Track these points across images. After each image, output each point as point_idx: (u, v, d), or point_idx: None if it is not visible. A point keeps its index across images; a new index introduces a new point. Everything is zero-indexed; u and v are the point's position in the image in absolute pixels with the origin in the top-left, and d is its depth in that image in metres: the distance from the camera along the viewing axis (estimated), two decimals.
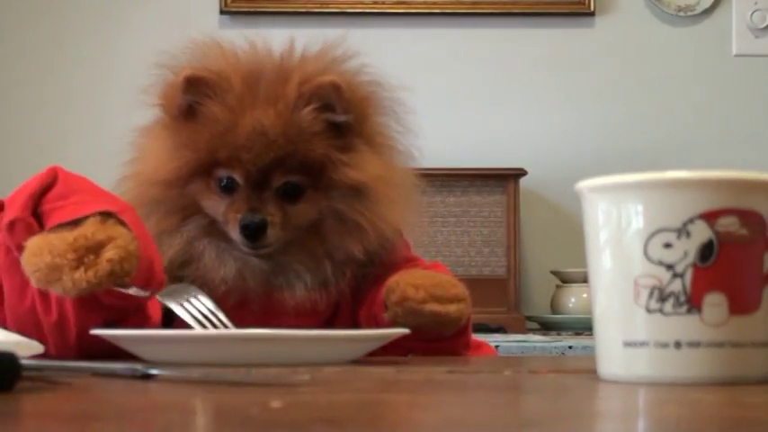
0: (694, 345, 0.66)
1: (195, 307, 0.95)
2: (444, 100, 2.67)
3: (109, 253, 0.89)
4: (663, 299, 0.66)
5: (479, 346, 1.16)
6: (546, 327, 2.45)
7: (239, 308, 1.03)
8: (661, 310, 0.66)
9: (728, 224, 0.66)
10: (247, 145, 1.02)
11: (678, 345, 0.66)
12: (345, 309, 1.08)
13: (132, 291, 0.91)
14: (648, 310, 0.66)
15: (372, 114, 1.09)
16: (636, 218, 0.67)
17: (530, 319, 2.50)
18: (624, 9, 2.70)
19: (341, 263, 1.06)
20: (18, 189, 0.96)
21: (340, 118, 1.04)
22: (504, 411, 0.58)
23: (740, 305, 0.66)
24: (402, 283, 1.01)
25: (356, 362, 0.89)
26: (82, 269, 0.88)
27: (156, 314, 0.98)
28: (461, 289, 1.04)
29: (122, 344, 0.89)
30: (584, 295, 2.36)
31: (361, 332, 0.93)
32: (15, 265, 0.92)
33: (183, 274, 1.04)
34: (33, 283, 0.90)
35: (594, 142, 2.67)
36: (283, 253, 1.05)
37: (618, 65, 2.70)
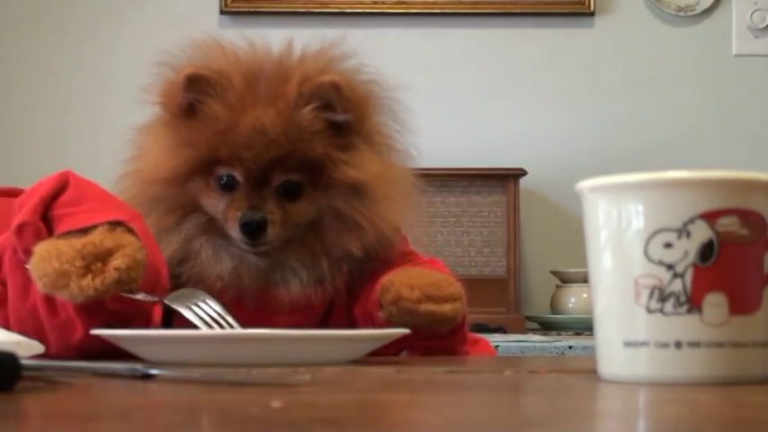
0: (695, 345, 0.66)
1: (204, 311, 0.95)
2: (444, 100, 2.67)
3: (116, 261, 0.90)
4: (663, 299, 0.66)
5: (476, 342, 1.16)
6: (546, 327, 2.45)
7: (235, 304, 1.03)
8: (661, 310, 0.66)
9: (729, 224, 0.66)
10: (248, 143, 1.03)
11: (678, 345, 0.66)
12: (341, 305, 1.09)
13: (140, 297, 0.92)
14: (649, 310, 0.66)
15: (371, 113, 1.09)
16: (636, 218, 0.67)
17: (530, 319, 2.50)
18: (624, 9, 2.70)
19: (338, 259, 1.06)
20: (29, 191, 0.97)
21: (340, 117, 1.05)
22: (504, 411, 0.58)
23: (740, 305, 0.66)
24: (397, 283, 1.01)
25: (356, 362, 0.89)
26: (89, 276, 0.89)
27: (157, 316, 0.99)
28: (457, 287, 1.04)
29: (122, 344, 0.89)
30: (585, 295, 2.36)
31: (361, 332, 0.93)
32: (20, 265, 0.93)
33: (181, 272, 1.04)
34: (40, 288, 0.90)
35: (594, 142, 2.67)
36: (281, 250, 1.05)
37: (618, 65, 2.70)
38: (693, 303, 0.66)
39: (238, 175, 1.04)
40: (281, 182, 1.04)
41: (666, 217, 0.66)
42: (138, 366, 0.71)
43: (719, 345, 0.66)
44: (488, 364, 1.00)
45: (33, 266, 0.90)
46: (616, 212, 0.68)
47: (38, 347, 0.78)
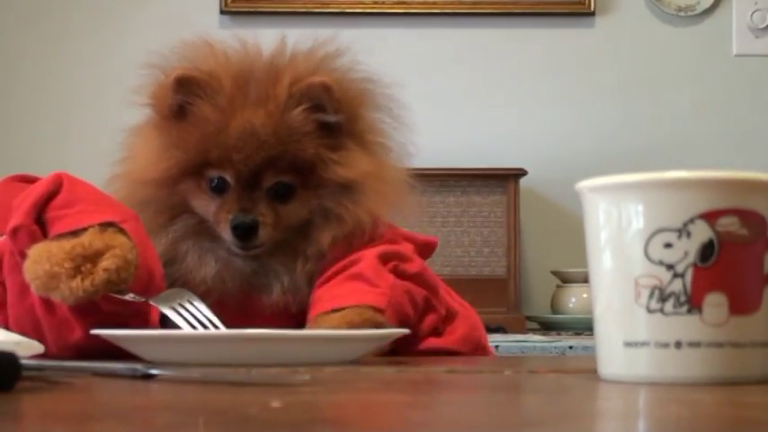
0: (695, 345, 0.66)
1: (189, 311, 0.95)
2: (444, 100, 2.67)
3: (105, 262, 0.91)
4: (663, 299, 0.66)
5: (453, 316, 1.11)
6: (546, 327, 2.45)
7: (217, 307, 1.03)
8: (661, 310, 0.66)
9: (729, 224, 0.66)
10: (238, 145, 1.03)
11: (678, 345, 0.66)
12: None
13: (129, 297, 0.92)
14: (649, 310, 0.66)
15: (363, 112, 1.09)
16: (636, 218, 0.67)
17: (530, 319, 2.50)
18: (624, 9, 2.70)
19: (312, 259, 1.05)
20: (24, 194, 0.97)
21: (331, 118, 1.05)
22: (504, 411, 0.58)
23: (740, 305, 0.66)
24: (320, 322, 0.99)
25: (356, 362, 0.89)
26: (78, 278, 0.90)
27: (155, 316, 0.99)
28: (369, 314, 0.98)
29: (123, 344, 0.89)
30: (585, 295, 2.36)
31: (362, 332, 0.93)
32: (17, 267, 0.94)
33: (168, 273, 1.04)
34: (33, 290, 0.91)
35: (594, 142, 2.67)
36: (269, 253, 1.05)
37: (618, 65, 2.70)
38: (693, 303, 0.66)
39: (229, 178, 1.04)
40: (272, 184, 1.04)
41: (666, 217, 0.66)
42: (138, 366, 0.71)
43: (719, 345, 0.66)
44: (488, 364, 1.00)
45: (26, 269, 0.91)
46: (616, 212, 0.68)
47: (38, 347, 0.78)
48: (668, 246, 0.66)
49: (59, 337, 0.94)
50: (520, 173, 2.45)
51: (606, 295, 0.69)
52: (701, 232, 0.66)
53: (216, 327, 0.94)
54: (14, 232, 0.94)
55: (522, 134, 2.67)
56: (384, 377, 0.78)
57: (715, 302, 0.66)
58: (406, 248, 1.08)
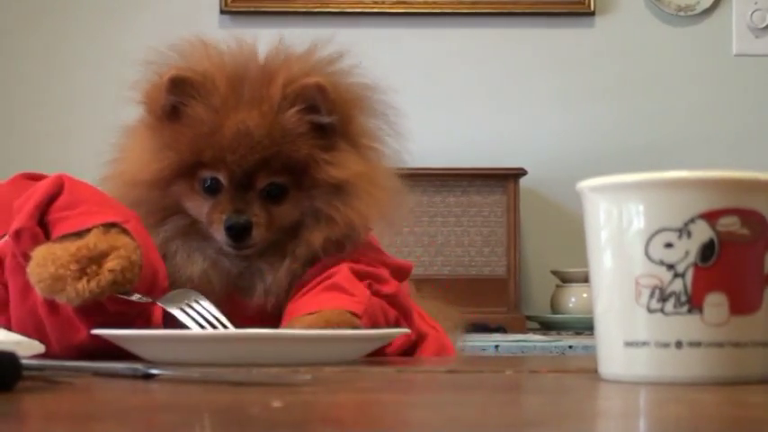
0: (695, 345, 0.66)
1: (197, 311, 0.95)
2: (444, 100, 2.67)
3: (111, 263, 0.91)
4: (664, 299, 0.66)
5: (425, 336, 1.10)
6: (546, 327, 2.45)
7: None
8: (662, 310, 0.66)
9: (729, 224, 0.66)
10: (232, 146, 1.02)
11: (679, 344, 0.66)
12: None
13: (135, 298, 0.92)
14: (649, 310, 0.66)
15: (357, 116, 1.09)
16: (637, 217, 0.67)
17: (530, 318, 2.50)
18: (624, 9, 2.70)
19: (299, 260, 1.05)
20: (26, 196, 0.97)
21: (325, 120, 1.04)
22: (505, 411, 0.58)
23: (741, 305, 0.66)
24: (295, 323, 0.98)
25: (356, 362, 0.89)
26: (84, 279, 0.90)
27: (158, 315, 0.99)
28: (347, 316, 0.98)
29: (123, 344, 0.89)
30: (585, 295, 2.36)
31: (362, 332, 0.93)
32: (20, 269, 0.94)
33: None
34: (39, 292, 0.91)
35: (595, 142, 2.67)
36: (259, 254, 1.05)
37: (618, 65, 2.70)
38: (694, 303, 0.66)
39: (222, 178, 1.04)
40: (265, 184, 1.04)
41: (667, 217, 0.66)
42: (139, 366, 0.71)
43: (720, 345, 0.66)
44: (488, 364, 1.00)
45: (31, 271, 0.91)
46: (617, 212, 0.68)
47: (38, 347, 0.78)
48: (669, 245, 0.66)
49: (63, 337, 0.94)
50: (520, 173, 2.45)
51: (606, 295, 0.69)
52: (702, 232, 0.66)
53: (224, 326, 0.94)
54: (17, 234, 0.94)
55: (522, 134, 2.67)
56: (384, 377, 0.78)
57: (715, 302, 0.66)
58: (382, 272, 1.07)
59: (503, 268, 2.42)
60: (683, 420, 0.52)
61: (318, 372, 0.77)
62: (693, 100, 2.69)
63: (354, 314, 0.98)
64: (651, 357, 0.66)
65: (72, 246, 0.91)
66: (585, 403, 0.63)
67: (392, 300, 1.05)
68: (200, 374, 0.72)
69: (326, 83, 1.04)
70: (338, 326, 0.95)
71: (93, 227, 0.93)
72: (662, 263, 0.66)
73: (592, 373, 0.72)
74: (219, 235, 1.03)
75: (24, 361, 0.64)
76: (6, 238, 0.97)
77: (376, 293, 1.04)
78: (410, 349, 1.07)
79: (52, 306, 0.94)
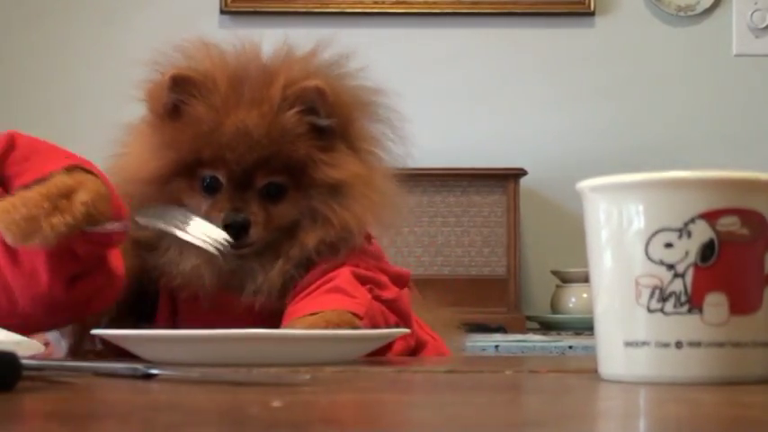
0: (695, 345, 0.66)
1: (191, 225, 0.97)
2: (444, 100, 2.67)
3: (81, 196, 0.91)
4: (664, 299, 0.66)
5: (425, 344, 1.11)
6: (546, 327, 2.45)
7: (190, 302, 1.04)
8: (662, 310, 0.66)
9: (729, 224, 0.66)
10: (231, 145, 1.03)
11: (679, 344, 0.66)
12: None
13: (114, 227, 0.93)
14: (649, 310, 0.66)
15: (357, 120, 1.10)
16: (637, 218, 0.67)
17: (530, 319, 2.50)
18: (624, 9, 2.70)
19: (293, 261, 1.05)
20: None
21: (324, 122, 1.05)
22: (504, 411, 0.58)
23: (741, 305, 0.66)
24: (296, 323, 0.98)
25: (356, 362, 0.89)
26: (58, 214, 0.89)
27: (119, 266, 0.99)
28: (348, 317, 0.99)
29: (123, 344, 0.89)
30: (585, 295, 2.36)
31: (362, 332, 0.93)
32: None
33: (146, 259, 1.05)
34: (10, 240, 0.90)
35: (595, 142, 2.67)
36: (257, 253, 1.05)
37: (618, 65, 2.70)
38: (694, 303, 0.66)
39: (221, 177, 1.05)
40: (264, 184, 1.05)
41: (667, 217, 0.66)
42: (139, 366, 0.71)
43: (720, 344, 0.66)
44: (488, 364, 1.00)
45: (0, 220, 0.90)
46: (617, 212, 0.68)
47: (38, 347, 0.78)
48: (669, 245, 0.66)
49: (27, 287, 0.93)
50: (520, 173, 2.45)
51: (607, 295, 0.69)
52: (702, 232, 0.66)
53: (222, 242, 0.95)
54: None
55: (522, 134, 2.67)
56: (384, 377, 0.78)
57: (715, 302, 0.66)
58: (382, 278, 1.08)
59: (503, 268, 2.42)
60: (683, 420, 0.52)
61: (318, 372, 0.77)
62: (693, 100, 2.69)
63: (355, 315, 0.98)
64: (651, 357, 0.66)
65: (40, 188, 0.91)
66: (585, 403, 0.63)
67: (392, 305, 1.06)
68: (200, 374, 0.72)
69: (326, 86, 1.05)
70: (339, 326, 0.95)
71: (55, 172, 0.93)
72: (662, 263, 0.66)
73: (592, 373, 0.72)
74: None
75: (24, 361, 0.64)
76: None
77: (377, 298, 1.04)
78: (409, 356, 1.07)
79: (14, 257, 0.93)
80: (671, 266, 0.66)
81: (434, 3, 2.69)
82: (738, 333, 0.66)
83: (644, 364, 0.67)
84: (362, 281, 1.05)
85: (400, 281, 1.11)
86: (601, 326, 0.70)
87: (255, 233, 1.03)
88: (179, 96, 1.04)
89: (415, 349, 1.08)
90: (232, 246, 1.03)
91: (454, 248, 2.41)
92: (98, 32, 2.66)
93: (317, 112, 1.05)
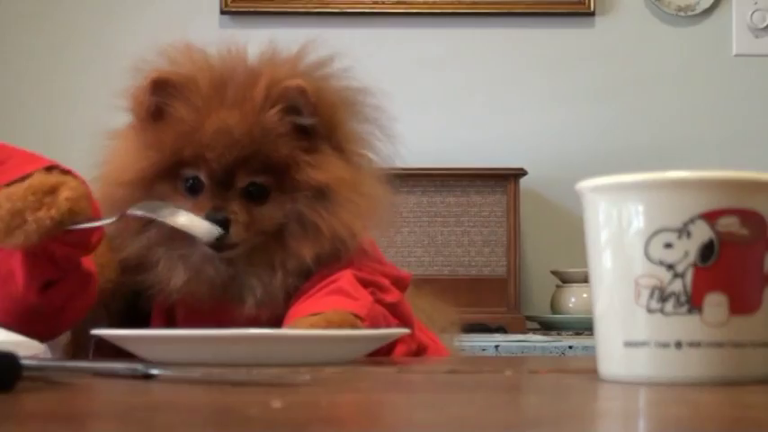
0: (695, 345, 0.66)
1: (181, 215, 0.98)
2: (444, 100, 2.67)
3: (65, 193, 0.92)
4: (663, 299, 0.66)
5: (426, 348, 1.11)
6: (546, 327, 2.45)
7: (190, 314, 1.04)
8: (662, 310, 0.66)
9: (729, 224, 0.66)
10: (212, 144, 1.02)
11: (679, 345, 0.66)
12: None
13: (100, 223, 0.94)
14: (649, 310, 0.66)
15: (343, 121, 1.08)
16: (636, 218, 0.67)
17: (530, 319, 2.50)
18: (624, 9, 2.70)
19: (292, 272, 1.04)
20: None
21: (306, 121, 1.04)
22: (504, 411, 0.58)
23: (741, 305, 0.66)
24: (298, 324, 0.98)
25: (356, 362, 0.89)
26: (44, 209, 0.90)
27: (92, 268, 0.99)
28: (350, 318, 0.98)
29: (123, 344, 0.89)
30: (585, 295, 2.36)
31: (362, 332, 0.93)
32: None
33: (142, 279, 1.04)
34: None
35: (594, 142, 2.67)
36: (246, 261, 1.04)
37: (618, 65, 2.70)
38: (694, 303, 0.66)
39: (203, 177, 1.04)
40: (246, 184, 1.04)
41: (667, 217, 0.66)
42: (138, 366, 0.71)
43: (719, 345, 0.66)
44: (488, 364, 1.00)
45: None
46: (616, 212, 0.68)
47: (38, 347, 0.78)
48: (668, 246, 0.66)
49: (3, 289, 0.94)
50: (520, 173, 2.45)
51: (606, 295, 0.69)
52: (702, 232, 0.66)
53: (212, 233, 0.97)
54: None
55: (521, 134, 2.67)
56: (384, 377, 0.78)
57: (715, 302, 0.66)
58: (384, 281, 1.07)
59: (503, 268, 2.42)
60: (683, 420, 0.52)
61: (318, 372, 0.77)
62: (693, 100, 2.69)
63: (357, 316, 0.98)
64: (651, 357, 0.66)
65: (22, 184, 0.92)
66: (585, 403, 0.63)
67: (394, 309, 1.05)
68: (200, 374, 0.72)
69: (308, 86, 1.04)
70: (340, 326, 0.95)
71: (35, 171, 0.94)
72: (662, 263, 0.66)
73: (592, 373, 0.72)
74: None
75: (24, 361, 0.64)
76: None
77: (379, 302, 1.04)
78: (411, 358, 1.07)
79: None
80: (671, 267, 0.66)
81: (434, 3, 2.69)
82: (738, 333, 0.66)
83: (644, 364, 0.67)
84: (364, 284, 1.04)
85: (401, 284, 1.10)
86: (600, 326, 0.70)
87: (236, 233, 1.02)
88: (161, 99, 1.04)
89: (417, 353, 1.08)
90: (215, 248, 1.02)
91: (454, 248, 2.41)
92: (98, 33, 2.66)
93: (300, 111, 1.04)
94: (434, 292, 1.24)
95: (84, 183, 0.95)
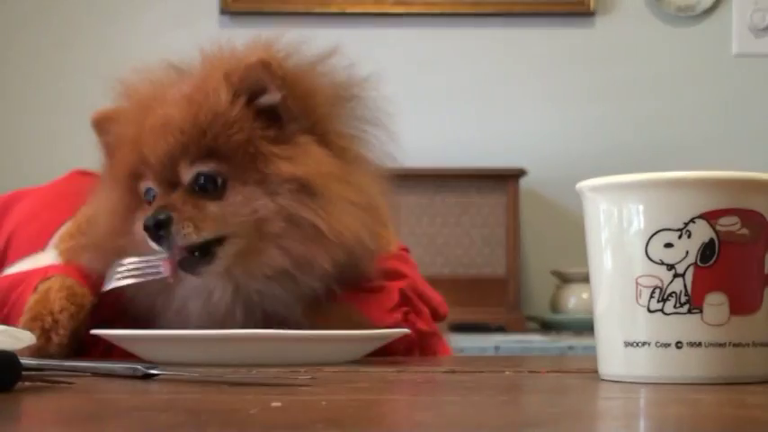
0: (695, 345, 0.66)
1: (125, 267, 0.94)
2: (444, 100, 2.67)
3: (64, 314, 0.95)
4: (664, 299, 0.66)
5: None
6: (546, 327, 2.45)
7: None
8: (662, 310, 0.66)
9: (729, 224, 0.66)
10: (148, 140, 0.94)
11: (679, 345, 0.66)
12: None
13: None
14: (649, 310, 0.66)
15: (329, 112, 0.97)
16: (637, 218, 0.67)
17: (530, 319, 2.50)
18: (624, 9, 2.70)
19: (308, 279, 0.95)
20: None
21: (271, 98, 0.94)
22: (504, 411, 0.58)
23: (741, 305, 0.66)
24: None
25: (356, 362, 0.89)
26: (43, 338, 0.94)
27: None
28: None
29: (123, 344, 0.89)
30: (585, 295, 2.37)
31: (362, 332, 0.93)
32: None
33: (157, 314, 0.98)
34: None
35: (595, 142, 2.67)
36: (245, 273, 0.94)
37: (618, 65, 2.70)
38: (694, 303, 0.66)
39: (151, 182, 0.95)
40: (192, 176, 0.93)
41: (667, 217, 0.66)
42: (139, 366, 0.71)
43: (720, 345, 0.66)
44: (488, 364, 1.00)
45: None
46: (617, 212, 0.68)
47: (29, 338, 0.77)
48: (669, 245, 0.66)
49: None
50: (520, 173, 2.45)
51: (607, 295, 0.69)
52: (702, 232, 0.66)
53: (154, 265, 0.93)
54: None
55: (522, 134, 2.67)
56: (384, 377, 0.78)
57: (716, 302, 0.66)
58: (423, 308, 1.01)
59: (503, 268, 2.42)
60: (683, 420, 0.52)
61: (318, 372, 0.77)
62: (693, 100, 2.69)
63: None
64: (651, 357, 0.66)
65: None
66: (585, 403, 0.63)
67: (423, 339, 1.00)
68: (200, 374, 0.72)
69: (273, 60, 0.93)
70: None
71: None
72: (662, 263, 0.66)
73: (592, 373, 0.72)
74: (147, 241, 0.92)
75: (24, 361, 0.64)
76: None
77: (411, 326, 0.98)
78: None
79: None
80: (671, 266, 0.66)
81: (434, 3, 2.69)
82: (738, 333, 0.66)
83: (644, 364, 0.67)
84: (403, 301, 0.99)
85: (437, 314, 1.04)
86: (601, 326, 0.70)
87: (184, 231, 0.91)
88: (107, 136, 1.00)
89: None
90: (189, 270, 0.93)
91: (454, 248, 2.42)
92: (98, 33, 2.66)
93: (265, 89, 0.93)
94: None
95: (70, 272, 0.97)
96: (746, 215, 0.66)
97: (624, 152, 2.64)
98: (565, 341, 2.03)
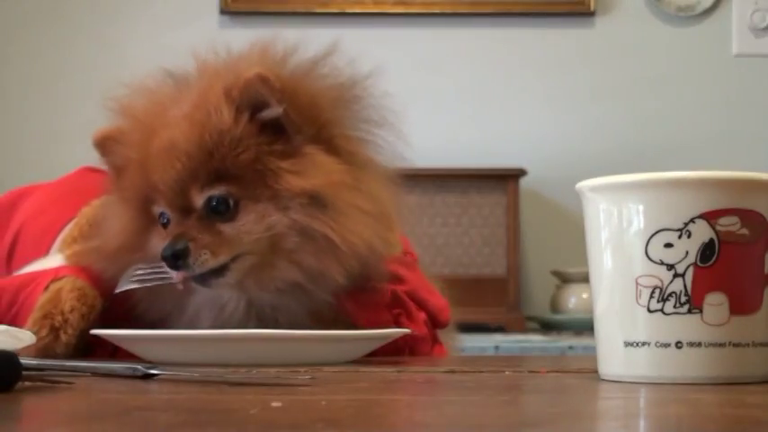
0: (695, 345, 0.66)
1: (140, 271, 0.94)
2: (444, 100, 2.67)
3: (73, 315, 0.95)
4: (664, 299, 0.66)
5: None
6: (546, 327, 2.45)
7: None
8: (662, 310, 0.66)
9: (729, 224, 0.66)
10: (156, 164, 0.93)
11: (679, 345, 0.66)
12: None
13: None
14: (649, 310, 0.66)
15: (332, 118, 0.96)
16: (637, 218, 0.67)
17: (530, 319, 2.50)
18: (624, 9, 2.70)
19: (322, 291, 0.95)
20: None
21: (273, 112, 0.92)
22: (504, 411, 0.58)
23: (741, 305, 0.66)
24: None
25: (356, 362, 0.89)
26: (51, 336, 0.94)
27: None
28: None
29: (123, 344, 0.89)
30: (585, 295, 2.36)
31: (362, 332, 0.93)
32: None
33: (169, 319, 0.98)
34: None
35: (594, 142, 2.67)
36: (259, 286, 0.94)
37: (618, 65, 2.70)
38: (694, 303, 0.66)
39: (164, 207, 0.94)
40: (204, 201, 0.92)
41: (667, 217, 0.66)
42: (139, 366, 0.71)
43: (720, 345, 0.66)
44: (488, 364, 1.00)
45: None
46: (617, 212, 0.68)
47: (29, 338, 0.77)
48: (669, 245, 0.66)
49: None
50: (520, 173, 2.45)
51: (607, 295, 0.69)
52: (702, 232, 0.66)
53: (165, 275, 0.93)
54: None
55: (522, 134, 2.67)
56: (384, 377, 0.78)
57: (715, 302, 0.66)
58: (419, 316, 1.00)
59: (503, 268, 2.42)
60: (683, 420, 0.52)
61: (318, 372, 0.77)
62: (693, 100, 2.69)
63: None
64: (651, 357, 0.66)
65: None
66: (585, 403, 0.63)
67: (414, 342, 0.99)
68: (199, 374, 0.72)
69: (271, 73, 0.92)
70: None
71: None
72: (662, 263, 0.66)
73: (592, 373, 0.72)
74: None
75: (24, 361, 0.64)
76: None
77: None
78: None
79: None
80: (671, 266, 0.66)
81: (434, 3, 2.69)
82: (738, 333, 0.66)
83: (644, 364, 0.67)
84: (395, 303, 0.98)
85: (436, 321, 1.02)
86: (601, 326, 0.70)
87: (200, 258, 0.90)
88: (112, 156, 0.99)
89: None
90: (200, 283, 0.92)
91: (454, 248, 2.42)
92: (98, 33, 2.66)
93: (266, 104, 0.92)
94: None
95: (79, 273, 0.97)
96: (746, 215, 0.66)
97: (624, 152, 2.64)
98: (565, 341, 2.03)
